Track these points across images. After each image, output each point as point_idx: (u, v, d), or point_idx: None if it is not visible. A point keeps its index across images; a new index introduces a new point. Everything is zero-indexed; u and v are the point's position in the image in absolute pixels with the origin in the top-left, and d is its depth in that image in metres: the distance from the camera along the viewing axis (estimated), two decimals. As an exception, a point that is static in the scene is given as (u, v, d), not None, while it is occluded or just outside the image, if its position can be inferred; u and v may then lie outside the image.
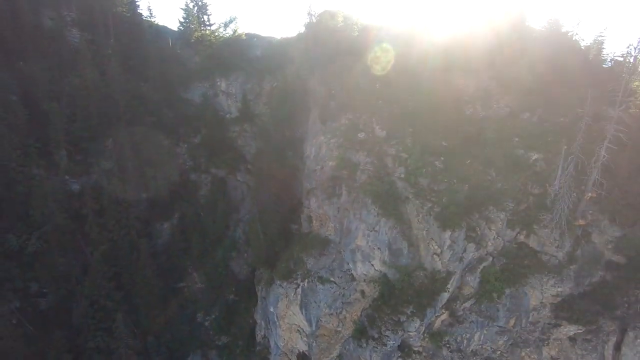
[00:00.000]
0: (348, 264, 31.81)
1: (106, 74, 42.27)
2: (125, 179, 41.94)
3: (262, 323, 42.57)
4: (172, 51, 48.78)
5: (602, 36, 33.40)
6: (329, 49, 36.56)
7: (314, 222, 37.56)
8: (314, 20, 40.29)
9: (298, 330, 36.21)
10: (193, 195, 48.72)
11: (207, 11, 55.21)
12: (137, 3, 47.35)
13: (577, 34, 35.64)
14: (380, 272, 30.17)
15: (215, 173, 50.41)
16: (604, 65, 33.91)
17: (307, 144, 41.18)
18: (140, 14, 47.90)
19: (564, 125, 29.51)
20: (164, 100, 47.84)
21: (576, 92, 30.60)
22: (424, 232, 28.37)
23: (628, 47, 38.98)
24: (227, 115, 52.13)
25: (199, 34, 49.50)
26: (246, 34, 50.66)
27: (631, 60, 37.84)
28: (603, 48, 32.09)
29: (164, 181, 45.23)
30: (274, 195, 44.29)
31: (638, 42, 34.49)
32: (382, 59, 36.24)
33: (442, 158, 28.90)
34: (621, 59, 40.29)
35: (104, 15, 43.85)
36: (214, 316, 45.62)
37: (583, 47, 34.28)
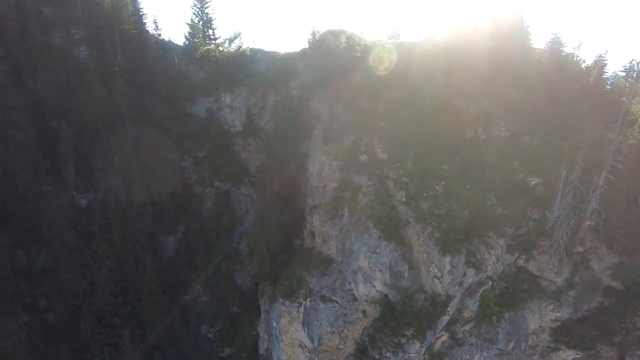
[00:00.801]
0: (350, 283, 32.34)
1: (113, 91, 43.01)
2: (132, 194, 42.69)
3: (265, 336, 43.20)
4: (178, 67, 49.47)
5: (603, 58, 33.63)
6: (332, 70, 37.05)
7: (317, 238, 38.16)
8: (317, 39, 40.81)
9: (300, 345, 36.78)
10: (197, 209, 49.43)
11: (212, 25, 55.98)
12: (144, 20, 48.06)
13: (578, 55, 36.05)
14: (382, 293, 30.67)
15: (219, 186, 51.08)
16: (606, 87, 34.18)
17: (310, 161, 41.76)
18: (147, 31, 48.61)
19: (563, 149, 29.78)
20: (169, 115, 48.54)
21: (577, 115, 31.01)
22: (425, 255, 28.82)
23: (629, 63, 39.60)
24: (232, 129, 52.76)
25: (204, 49, 50.14)
26: (250, 49, 51.22)
27: (632, 80, 38.22)
28: (605, 71, 32.28)
29: (169, 195, 45.96)
30: (277, 209, 44.89)
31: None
32: (385, 58, 36.79)
33: (442, 182, 29.31)
34: (623, 72, 40.92)
35: (112, 32, 44.56)
36: (217, 328, 46.36)
37: (584, 69, 34.54)
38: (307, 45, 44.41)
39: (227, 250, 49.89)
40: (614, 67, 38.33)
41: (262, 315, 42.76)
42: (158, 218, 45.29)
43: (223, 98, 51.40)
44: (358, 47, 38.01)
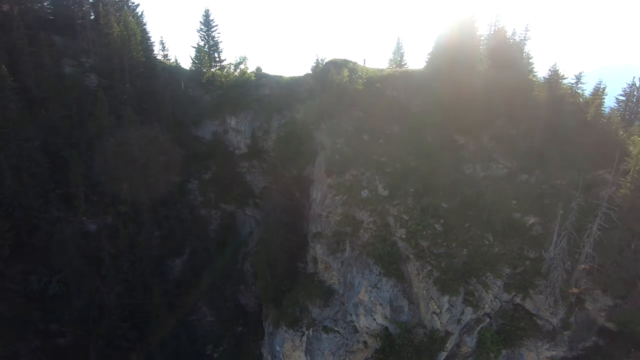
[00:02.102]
0: (351, 315, 33.23)
1: (122, 118, 44.27)
2: (140, 219, 43.89)
3: (269, 357, 44.08)
4: (184, 92, 50.63)
5: (601, 93, 34.31)
6: (334, 102, 37.97)
7: (319, 264, 39.10)
8: (321, 68, 41.78)
9: (303, 370, 37.69)
10: (203, 230, 50.59)
11: (219, 48, 57.32)
12: (152, 48, 49.30)
13: (578, 87, 36.75)
14: (382, 325, 31.55)
15: (224, 208, 52.25)
16: (602, 121, 34.76)
17: (314, 188, 42.76)
18: (155, 57, 49.84)
19: (560, 188, 30.53)
20: (176, 138, 49.73)
21: (574, 152, 31.75)
22: (424, 291, 29.66)
23: (630, 87, 40.12)
24: (236, 151, 53.91)
25: (210, 74, 51.30)
26: (255, 74, 52.32)
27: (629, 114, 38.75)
28: (602, 110, 32.91)
29: (176, 219, 47.16)
30: (281, 232, 45.80)
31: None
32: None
33: (442, 221, 30.13)
34: (623, 97, 41.36)
35: (121, 61, 45.85)
36: (222, 348, 47.46)
37: (582, 103, 35.20)
38: (310, 71, 45.37)
39: (232, 270, 51.02)
40: (612, 90, 38.92)
41: (265, 336, 43.70)
42: (165, 242, 46.45)
43: (228, 121, 52.58)
44: (360, 80, 38.90)
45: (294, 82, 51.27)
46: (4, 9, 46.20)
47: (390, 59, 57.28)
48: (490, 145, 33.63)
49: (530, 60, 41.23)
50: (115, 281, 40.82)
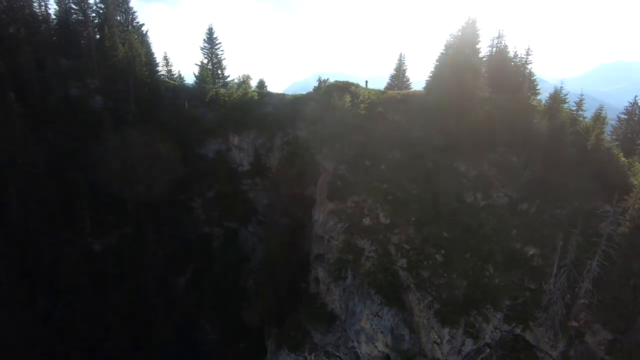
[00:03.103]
0: (353, 341, 33.57)
1: (127, 140, 44.86)
2: (144, 240, 44.49)
3: (271, 377, 44.48)
4: (188, 111, 51.18)
5: (602, 121, 34.44)
6: (337, 127, 38.31)
7: (321, 285, 39.45)
8: (324, 89, 42.16)
9: (305, 392, 38.02)
10: (206, 248, 51.13)
11: (222, 65, 57.98)
12: (157, 69, 49.88)
13: (580, 112, 36.92)
14: (384, 353, 31.86)
15: (227, 226, 52.75)
16: (603, 147, 34.84)
17: (316, 209, 43.11)
18: (159, 78, 50.33)
19: (561, 218, 30.70)
20: (179, 157, 50.28)
21: (574, 181, 31.92)
22: (425, 320, 29.96)
23: (631, 105, 40.16)
24: (239, 168, 54.40)
25: (213, 93, 51.84)
26: (258, 92, 52.78)
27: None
28: (602, 139, 33.00)
29: (179, 239, 47.73)
30: (284, 250, 46.28)
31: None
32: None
33: (442, 251, 30.42)
34: (624, 116, 41.38)
35: (126, 82, 46.44)
36: (225, 366, 47.91)
37: (583, 130, 35.33)
38: (313, 90, 45.79)
39: (235, 288, 51.49)
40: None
41: (267, 355, 44.07)
42: (169, 261, 47.03)
43: (231, 139, 53.11)
44: (362, 105, 39.25)
45: (297, 100, 51.70)
46: (11, 31, 47.03)
47: (392, 74, 57.74)
48: (490, 172, 33.84)
49: (533, 83, 41.45)
50: (120, 302, 41.40)
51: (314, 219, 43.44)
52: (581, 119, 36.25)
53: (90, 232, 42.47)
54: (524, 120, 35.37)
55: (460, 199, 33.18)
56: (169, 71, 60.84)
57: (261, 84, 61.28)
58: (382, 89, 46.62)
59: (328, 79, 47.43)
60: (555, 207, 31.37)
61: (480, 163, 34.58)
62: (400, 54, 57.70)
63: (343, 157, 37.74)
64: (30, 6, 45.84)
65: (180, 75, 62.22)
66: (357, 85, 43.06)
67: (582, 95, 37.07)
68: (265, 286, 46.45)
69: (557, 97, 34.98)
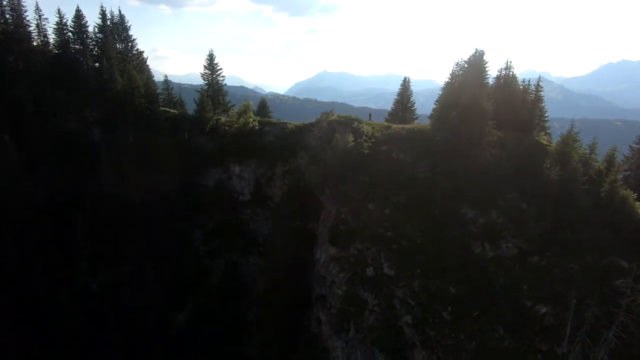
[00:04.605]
0: (356, 395, 32.39)
1: (125, 173, 44.03)
2: (143, 277, 43.59)
3: (272, 416, 43.43)
4: (188, 142, 50.27)
5: (617, 169, 33.05)
6: (339, 167, 37.20)
7: (323, 326, 38.33)
8: (326, 129, 41.03)
9: None
10: (206, 281, 50.13)
11: (223, 91, 57.05)
12: (157, 100, 48.94)
13: (592, 157, 35.55)
14: (388, 410, 30.65)
15: (228, 257, 51.73)
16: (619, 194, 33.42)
17: (317, 247, 41.97)
18: (159, 108, 49.31)
19: (574, 274, 29.38)
20: (179, 188, 49.40)
21: (587, 231, 30.56)
22: (431, 380, 28.74)
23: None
24: (240, 197, 53.37)
25: (214, 122, 50.93)
26: (259, 121, 51.72)
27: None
28: (617, 187, 31.54)
29: (179, 274, 46.80)
30: (284, 284, 45.19)
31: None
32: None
33: (449, 308, 29.18)
34: None
35: (124, 115, 45.55)
36: (225, 403, 46.83)
37: (596, 175, 33.94)
38: (314, 128, 44.69)
39: (235, 321, 50.44)
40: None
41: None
42: (168, 297, 46.09)
43: (232, 169, 52.10)
44: (366, 144, 38.07)
45: (299, 130, 50.64)
46: (10, 59, 46.34)
47: (396, 99, 56.43)
48: (499, 220, 32.53)
49: (543, 119, 40.15)
50: (119, 342, 40.55)
51: (316, 257, 42.30)
52: (595, 162, 34.83)
53: (87, 270, 41.62)
54: (534, 165, 34.07)
55: (467, 248, 31.92)
56: (170, 94, 60.06)
57: (263, 104, 60.46)
58: (386, 122, 45.34)
59: (332, 110, 46.29)
60: (568, 260, 30.03)
61: (488, 210, 33.29)
62: (405, 78, 56.50)
63: (346, 199, 36.58)
64: (29, 39, 45.07)
65: (181, 99, 61.28)
66: (360, 121, 41.89)
67: (595, 138, 35.67)
68: (266, 321, 45.44)
69: (568, 141, 33.55)
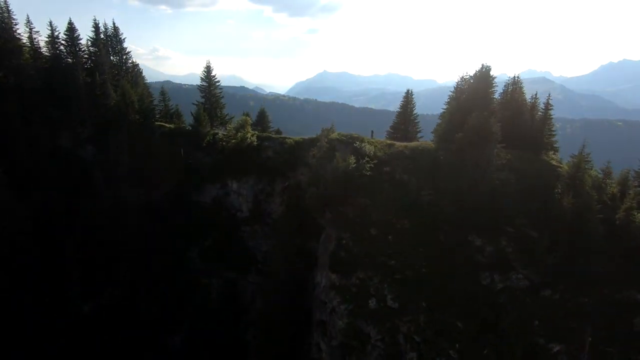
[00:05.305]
0: None
1: (119, 192, 42.60)
2: (138, 299, 42.17)
3: None
4: (184, 158, 48.73)
5: (633, 196, 31.49)
6: (340, 190, 35.70)
7: (324, 354, 36.89)
8: (326, 147, 39.48)
9: None
10: (203, 301, 48.63)
11: (220, 104, 55.58)
12: (153, 114, 47.48)
13: (607, 182, 34.00)
14: None
15: (225, 276, 50.24)
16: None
17: (318, 271, 40.48)
18: (154, 124, 47.79)
19: (588, 308, 27.89)
20: (175, 205, 47.94)
21: (602, 262, 29.06)
22: (438, 421, 27.27)
23: None
24: (238, 214, 51.88)
25: (211, 137, 49.47)
26: (257, 136, 50.23)
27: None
28: (633, 214, 30.00)
29: (175, 294, 45.34)
30: (284, 304, 43.82)
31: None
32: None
33: (457, 345, 27.69)
34: None
35: (118, 130, 44.00)
36: None
37: (609, 200, 32.44)
38: (315, 150, 43.14)
39: (234, 342, 49.01)
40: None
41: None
42: (164, 318, 44.62)
43: (230, 185, 50.60)
44: (368, 166, 36.56)
45: (298, 145, 49.16)
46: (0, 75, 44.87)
47: (398, 111, 54.93)
48: (508, 249, 31.03)
49: (552, 137, 38.61)
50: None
51: (316, 280, 40.84)
52: (609, 186, 33.27)
53: (79, 294, 40.16)
54: (544, 189, 32.55)
55: (475, 280, 30.39)
56: (167, 105, 58.51)
57: (262, 114, 58.95)
58: (388, 140, 43.76)
59: (332, 126, 44.76)
60: (581, 294, 28.55)
61: (497, 237, 31.79)
62: (408, 90, 54.99)
63: (347, 224, 35.08)
64: (19, 54, 43.50)
65: (177, 109, 59.72)
66: (361, 139, 40.38)
67: (609, 162, 34.10)
68: (265, 344, 44.00)
69: (580, 164, 32.01)
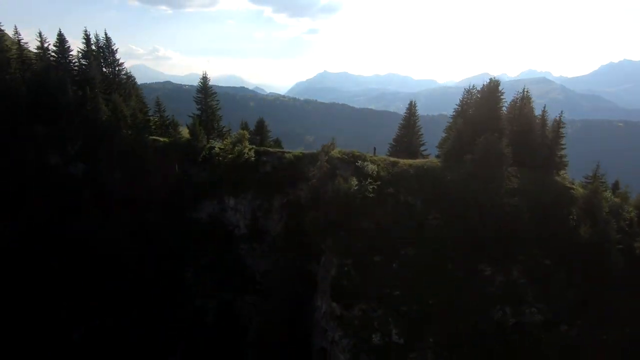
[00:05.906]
0: None
1: (109, 211, 40.74)
2: (131, 322, 40.35)
3: None
4: (179, 174, 46.85)
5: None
6: (341, 213, 33.88)
7: (325, 383, 35.11)
8: (326, 167, 37.63)
9: None
10: (198, 323, 46.77)
11: (217, 116, 53.67)
12: (148, 126, 45.57)
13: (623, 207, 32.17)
14: None
15: (222, 296, 48.37)
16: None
17: (318, 296, 38.73)
18: (148, 135, 45.84)
19: (607, 346, 26.09)
20: (170, 223, 46.07)
21: (622, 297, 27.27)
22: None
23: None
24: (235, 230, 50.00)
25: (207, 151, 47.62)
26: (255, 150, 48.33)
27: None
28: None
29: (170, 316, 43.52)
30: (282, 326, 42.10)
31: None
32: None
33: (467, 387, 25.84)
34: None
35: (109, 146, 42.11)
36: None
37: (627, 226, 30.62)
38: (315, 170, 41.31)
39: (231, 365, 47.20)
40: None
41: None
42: (159, 342, 42.78)
43: (227, 201, 48.70)
44: (370, 187, 34.70)
45: (298, 160, 47.32)
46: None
47: (401, 123, 53.11)
48: (521, 280, 29.21)
49: (564, 160, 36.72)
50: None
51: (317, 304, 39.08)
52: (626, 212, 31.42)
53: (68, 320, 38.31)
54: (558, 214, 30.73)
55: (486, 313, 28.55)
56: (162, 116, 56.53)
57: (261, 125, 56.95)
58: (392, 157, 41.78)
59: (332, 142, 42.86)
60: (601, 330, 26.71)
61: (508, 266, 29.96)
62: (411, 102, 53.11)
63: (349, 250, 33.24)
64: (7, 66, 41.57)
65: (174, 120, 57.74)
66: (364, 158, 38.51)
67: (627, 186, 32.31)
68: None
69: (597, 190, 30.11)
